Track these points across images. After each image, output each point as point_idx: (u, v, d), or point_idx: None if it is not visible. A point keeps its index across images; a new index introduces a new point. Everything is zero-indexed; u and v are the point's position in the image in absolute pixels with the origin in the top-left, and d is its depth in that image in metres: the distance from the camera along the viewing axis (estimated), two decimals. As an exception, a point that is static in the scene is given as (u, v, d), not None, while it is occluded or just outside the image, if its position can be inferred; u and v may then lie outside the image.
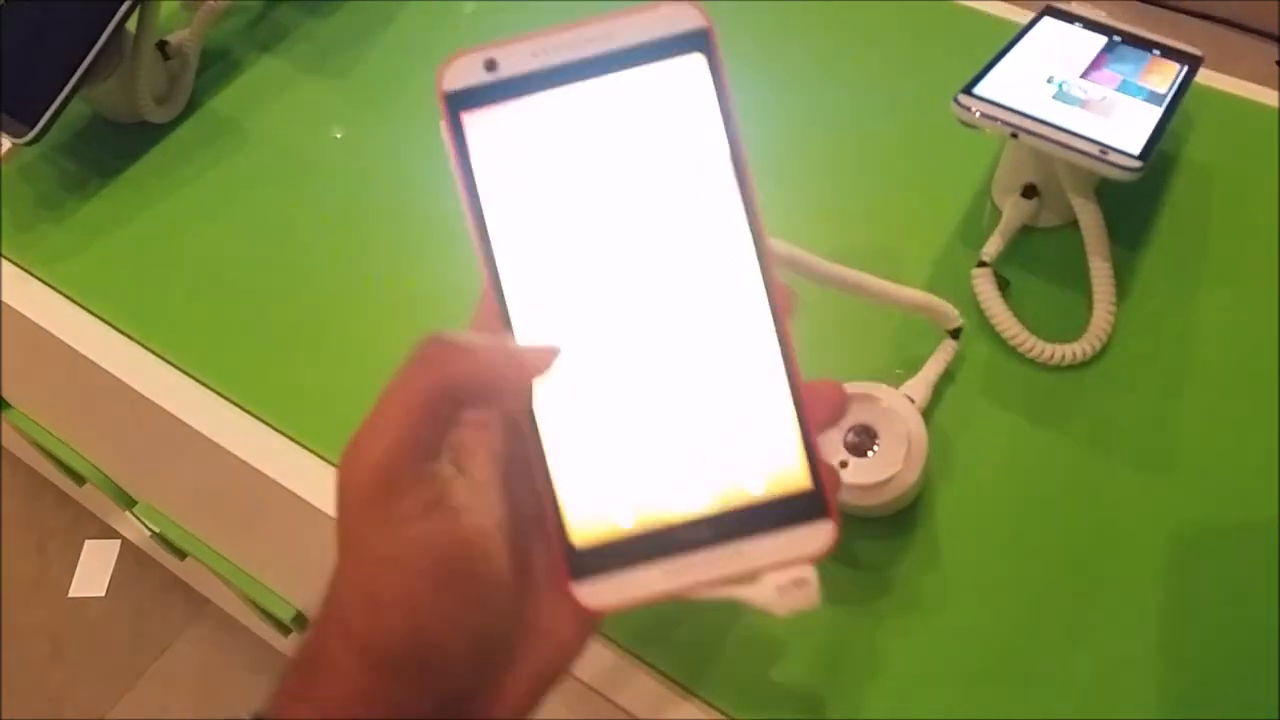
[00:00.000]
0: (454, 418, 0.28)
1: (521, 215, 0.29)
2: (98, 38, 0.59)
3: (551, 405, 0.29)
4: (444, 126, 0.29)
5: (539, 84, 0.29)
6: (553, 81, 0.29)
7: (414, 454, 0.27)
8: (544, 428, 0.29)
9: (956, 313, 0.49)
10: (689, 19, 0.29)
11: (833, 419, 0.30)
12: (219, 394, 0.54)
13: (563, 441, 0.29)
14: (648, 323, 0.29)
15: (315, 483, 0.51)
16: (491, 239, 0.29)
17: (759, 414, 0.29)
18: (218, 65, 0.70)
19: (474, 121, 0.29)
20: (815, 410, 0.29)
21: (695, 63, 0.29)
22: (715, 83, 0.29)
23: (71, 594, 1.23)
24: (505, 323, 0.29)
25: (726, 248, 0.29)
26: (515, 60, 0.29)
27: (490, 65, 0.29)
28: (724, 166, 0.29)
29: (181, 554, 0.93)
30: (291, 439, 0.52)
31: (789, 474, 0.29)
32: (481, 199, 0.29)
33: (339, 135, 0.66)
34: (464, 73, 0.29)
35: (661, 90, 0.29)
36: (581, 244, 0.29)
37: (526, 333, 0.29)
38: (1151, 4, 0.97)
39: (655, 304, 0.29)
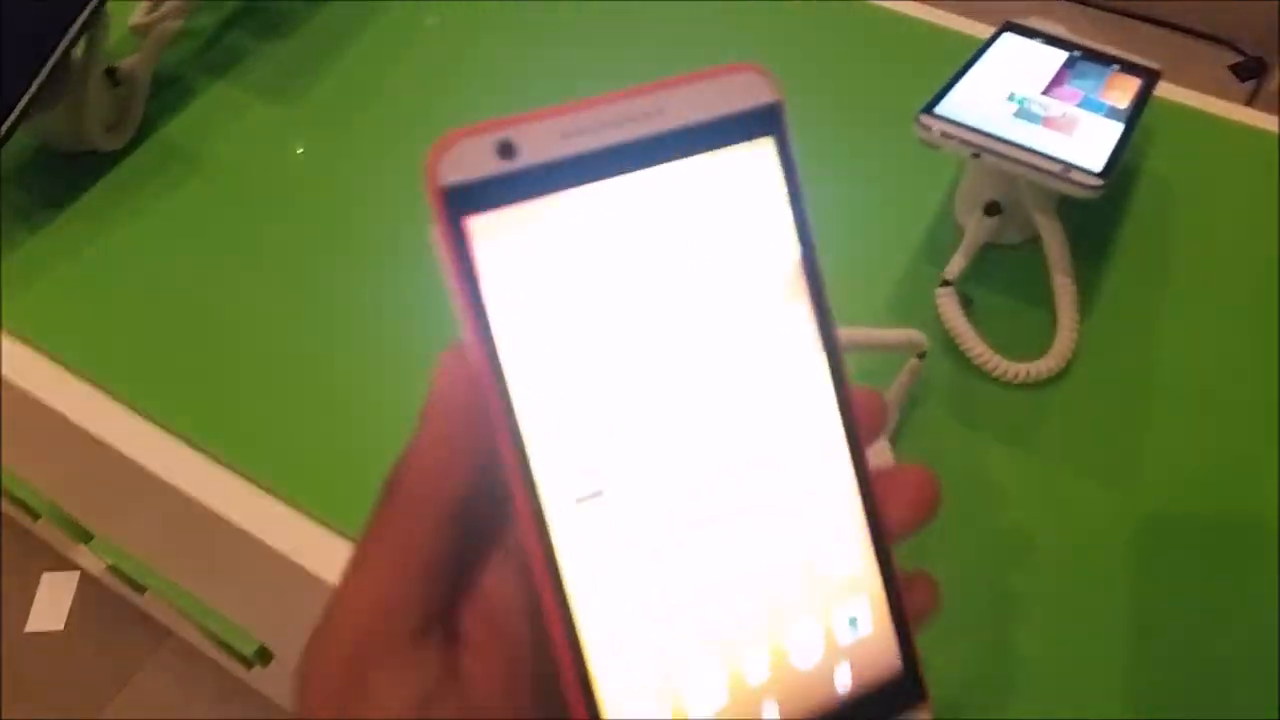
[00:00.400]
0: (459, 548, 0.23)
1: (547, 346, 0.22)
2: (42, 67, 0.57)
3: (590, 607, 0.22)
4: (439, 235, 0.22)
5: (571, 176, 0.22)
6: (588, 174, 0.23)
7: (400, 620, 0.21)
8: (589, 643, 0.21)
9: (923, 337, 0.49)
10: (757, 91, 0.24)
11: (924, 518, 0.25)
12: (172, 433, 0.52)
13: (604, 650, 0.22)
14: (705, 482, 0.23)
15: (271, 522, 0.49)
16: (509, 380, 0.22)
17: (840, 586, 0.24)
18: (169, 90, 0.68)
19: (485, 228, 0.22)
20: (900, 508, 0.24)
21: (763, 149, 0.24)
22: (786, 174, 0.24)
23: (29, 628, 1.21)
24: (529, 491, 0.22)
25: (796, 377, 0.24)
26: (540, 143, 0.22)
27: (506, 150, 0.22)
28: (793, 275, 0.24)
29: (140, 588, 0.91)
30: (249, 479, 0.50)
31: (878, 658, 0.24)
32: (494, 328, 0.22)
33: (300, 151, 0.65)
34: (469, 160, 0.22)
35: (722, 184, 0.24)
36: (622, 378, 0.23)
37: (555, 499, 0.22)
38: (1106, 10, 0.98)
39: (713, 455, 0.23)
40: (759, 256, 0.24)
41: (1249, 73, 0.89)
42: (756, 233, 0.24)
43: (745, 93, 0.24)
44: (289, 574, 0.49)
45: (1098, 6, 0.97)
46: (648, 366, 0.23)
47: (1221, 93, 0.66)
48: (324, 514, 0.49)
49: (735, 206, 0.24)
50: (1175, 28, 0.95)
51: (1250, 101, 0.88)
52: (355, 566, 0.22)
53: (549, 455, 0.22)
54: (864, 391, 0.25)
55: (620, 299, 0.23)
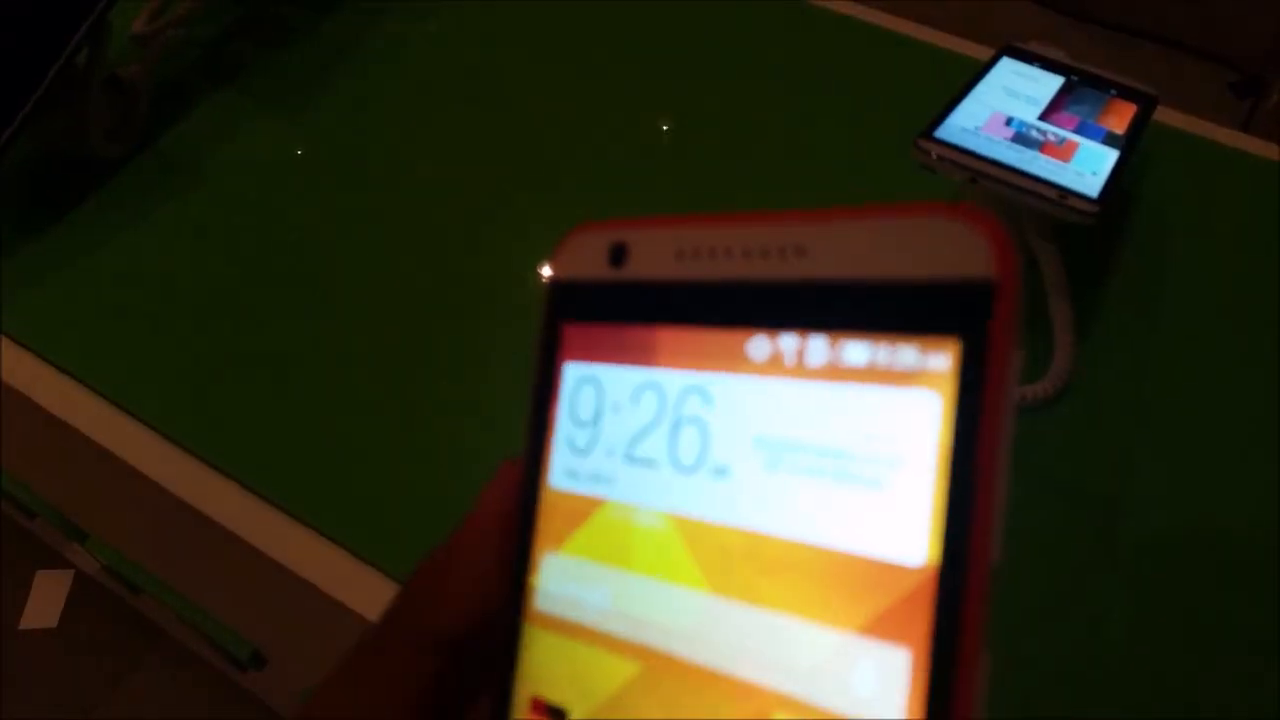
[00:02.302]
0: (454, 682, 0.21)
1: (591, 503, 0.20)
2: (45, 74, 0.57)
3: None
4: (538, 330, 0.21)
5: (678, 308, 0.19)
6: (699, 310, 0.19)
7: None
8: None
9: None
10: (958, 255, 0.16)
11: None
12: (169, 438, 0.52)
13: None
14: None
15: (266, 528, 0.49)
16: (538, 527, 0.20)
17: None
18: (171, 99, 0.68)
19: (578, 342, 0.20)
20: None
21: (940, 357, 0.16)
22: (964, 409, 0.16)
23: (23, 625, 1.21)
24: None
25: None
26: (652, 255, 0.19)
27: (617, 254, 0.20)
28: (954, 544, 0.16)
29: (135, 588, 0.91)
30: (244, 485, 0.51)
31: None
32: (551, 458, 0.21)
33: (300, 152, 0.65)
34: (581, 257, 0.20)
35: (881, 398, 0.17)
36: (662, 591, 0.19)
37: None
38: (1108, 28, 0.98)
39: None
40: (908, 506, 0.16)
41: (1247, 91, 0.90)
42: (884, 485, 0.16)
43: (940, 252, 0.16)
44: (283, 579, 0.49)
45: (1098, 24, 0.97)
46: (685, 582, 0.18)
47: (1220, 110, 0.66)
48: (318, 521, 0.49)
49: (864, 436, 0.17)
50: (1175, 46, 0.95)
51: (1248, 119, 0.89)
52: (332, 680, 0.21)
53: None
54: None
55: (697, 491, 0.18)
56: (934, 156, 0.51)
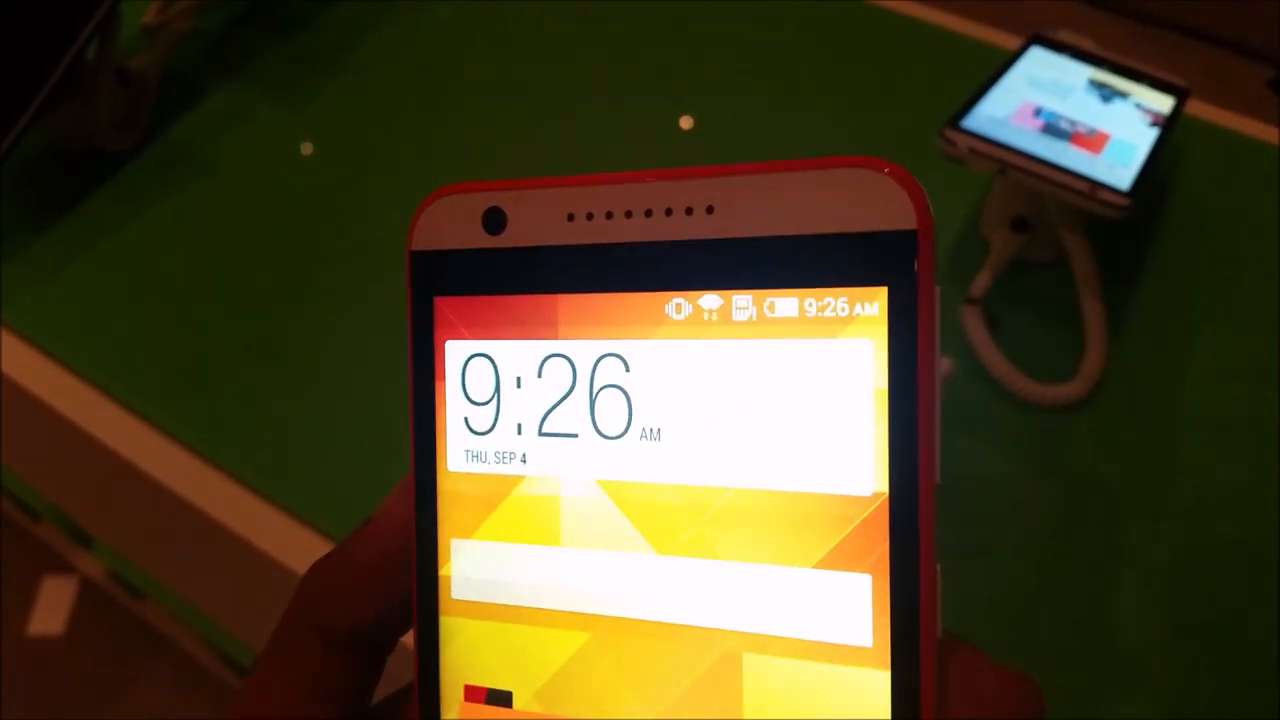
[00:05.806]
0: (363, 676, 0.21)
1: (492, 489, 0.19)
2: (56, 66, 0.56)
3: None
4: (407, 310, 0.20)
5: (564, 275, 0.18)
6: (586, 277, 0.18)
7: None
8: None
9: (950, 362, 0.47)
10: (883, 207, 0.16)
11: None
12: (176, 439, 0.51)
13: None
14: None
15: (273, 533, 0.48)
16: (439, 516, 0.20)
17: None
18: (178, 90, 0.67)
19: (456, 316, 0.19)
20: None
21: (869, 304, 0.16)
22: (895, 354, 0.16)
23: (30, 632, 1.19)
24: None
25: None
26: (536, 219, 0.18)
27: (493, 220, 0.18)
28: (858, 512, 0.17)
29: (141, 595, 0.90)
30: (253, 489, 0.49)
31: None
32: (442, 444, 0.20)
33: (306, 153, 0.64)
34: (451, 225, 0.19)
35: (813, 349, 0.17)
36: (569, 574, 0.19)
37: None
38: (1145, 24, 0.97)
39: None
40: (835, 447, 0.17)
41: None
42: (827, 427, 0.17)
43: (859, 205, 0.16)
44: (290, 586, 0.48)
45: (1134, 18, 0.95)
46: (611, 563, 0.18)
47: (1258, 106, 0.64)
48: (329, 527, 0.47)
49: (800, 385, 0.17)
50: (1212, 41, 0.93)
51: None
52: (245, 685, 0.20)
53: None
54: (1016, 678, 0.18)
55: (604, 457, 0.18)
56: (961, 147, 0.49)
